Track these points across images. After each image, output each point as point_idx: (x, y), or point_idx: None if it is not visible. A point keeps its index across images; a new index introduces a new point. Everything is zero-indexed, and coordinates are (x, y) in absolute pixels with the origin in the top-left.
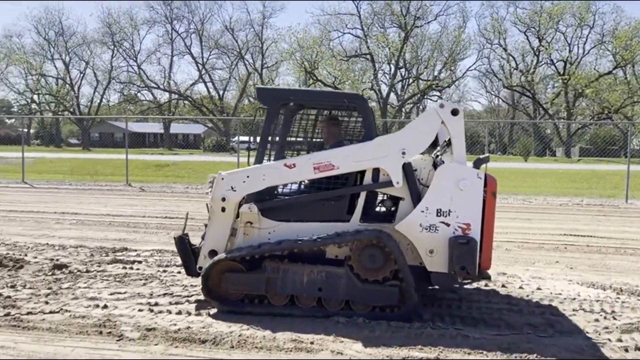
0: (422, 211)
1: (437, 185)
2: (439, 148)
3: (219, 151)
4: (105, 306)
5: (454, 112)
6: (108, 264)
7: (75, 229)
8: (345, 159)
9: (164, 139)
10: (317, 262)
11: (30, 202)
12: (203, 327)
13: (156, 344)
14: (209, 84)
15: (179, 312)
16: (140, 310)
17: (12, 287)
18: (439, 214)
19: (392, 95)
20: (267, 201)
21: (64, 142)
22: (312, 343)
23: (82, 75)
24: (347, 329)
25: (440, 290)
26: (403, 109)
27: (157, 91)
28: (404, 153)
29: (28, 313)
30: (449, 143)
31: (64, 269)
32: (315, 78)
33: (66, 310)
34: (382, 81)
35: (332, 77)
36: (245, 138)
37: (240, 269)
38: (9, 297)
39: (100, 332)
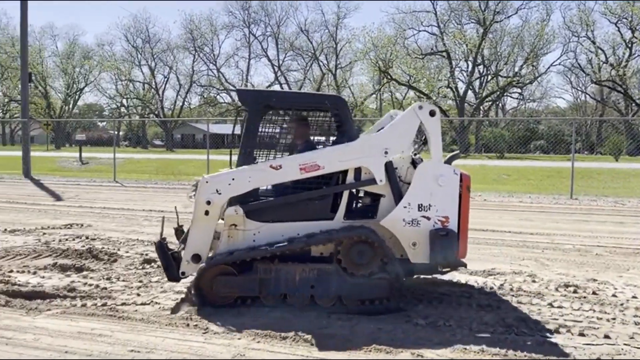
0: (405, 207)
1: (418, 182)
2: (416, 146)
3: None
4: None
5: (432, 113)
6: None
7: None
8: (330, 159)
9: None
10: (305, 260)
11: (121, 200)
12: (284, 324)
13: (239, 338)
14: (285, 86)
15: (261, 307)
16: (223, 305)
17: (107, 279)
18: (420, 209)
19: (470, 92)
20: (253, 203)
21: (149, 144)
22: (390, 344)
23: (166, 79)
24: (426, 331)
25: (524, 295)
26: (481, 107)
27: (235, 94)
28: (386, 152)
29: (122, 304)
30: (424, 142)
31: (152, 264)
32: (389, 77)
33: (156, 303)
34: (459, 79)
35: (406, 76)
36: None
37: (232, 272)
38: (105, 288)
39: (187, 325)
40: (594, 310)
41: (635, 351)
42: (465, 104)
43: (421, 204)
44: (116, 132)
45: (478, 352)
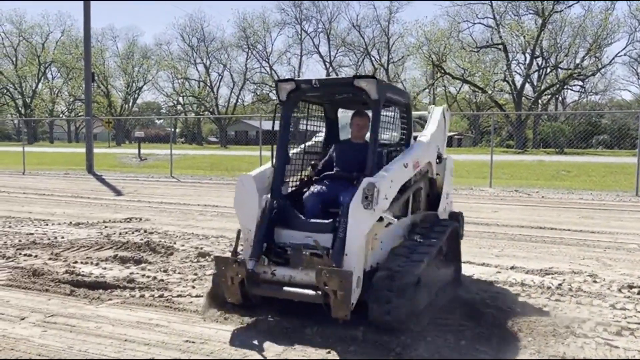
0: (445, 197)
1: (449, 174)
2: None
3: None
4: None
5: (450, 114)
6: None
7: (216, 220)
8: (422, 157)
9: (294, 136)
10: None
11: (177, 195)
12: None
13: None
14: None
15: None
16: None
17: (164, 271)
18: (447, 197)
19: (527, 86)
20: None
21: (204, 140)
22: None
23: (220, 77)
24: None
25: (584, 296)
26: (539, 101)
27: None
28: (438, 148)
29: (178, 295)
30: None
31: (207, 257)
32: (443, 71)
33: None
34: (515, 72)
35: (461, 70)
36: None
37: None
38: (162, 280)
39: (241, 319)
40: None
41: None
42: (523, 98)
43: (447, 193)
44: (173, 129)
45: (534, 354)
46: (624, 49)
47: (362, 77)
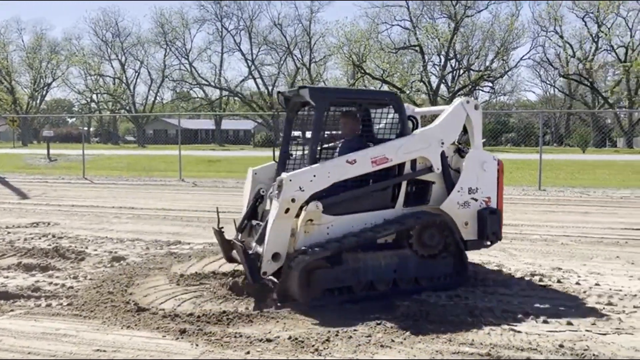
0: (459, 191)
1: (468, 168)
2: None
3: (268, 146)
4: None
5: (476, 107)
6: (162, 256)
7: (131, 223)
8: (397, 152)
9: (216, 135)
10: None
11: (90, 197)
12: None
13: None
14: (259, 80)
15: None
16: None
17: (74, 278)
18: (470, 192)
19: (443, 86)
20: (330, 197)
21: (121, 140)
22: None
23: (137, 74)
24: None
25: (492, 286)
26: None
27: (208, 88)
28: (442, 143)
29: (89, 302)
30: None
31: (122, 261)
32: (363, 71)
33: (126, 302)
34: (431, 73)
35: (380, 70)
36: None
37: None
38: (72, 287)
39: (155, 324)
40: (559, 298)
41: (596, 337)
42: (438, 98)
43: (470, 188)
44: (86, 128)
45: (445, 342)
46: (528, 52)
47: (309, 87)
